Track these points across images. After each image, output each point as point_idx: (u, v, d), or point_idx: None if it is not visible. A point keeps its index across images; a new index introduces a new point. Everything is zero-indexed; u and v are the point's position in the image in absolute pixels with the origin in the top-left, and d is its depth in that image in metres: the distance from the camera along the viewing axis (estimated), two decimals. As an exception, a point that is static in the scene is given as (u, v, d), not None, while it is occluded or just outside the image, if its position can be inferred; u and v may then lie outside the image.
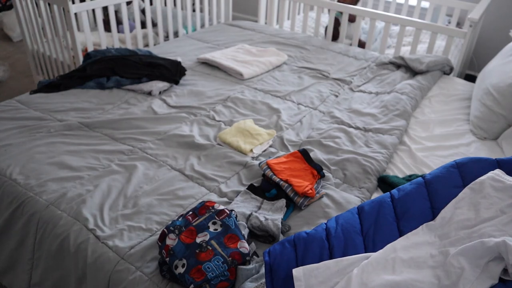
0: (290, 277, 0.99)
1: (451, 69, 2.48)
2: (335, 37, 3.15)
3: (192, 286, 1.05)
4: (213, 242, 1.12)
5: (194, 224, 1.18)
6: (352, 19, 3.16)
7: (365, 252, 1.02)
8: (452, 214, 1.03)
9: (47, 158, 1.54)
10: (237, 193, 1.44)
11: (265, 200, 1.39)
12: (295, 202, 1.39)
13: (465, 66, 2.88)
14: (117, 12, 3.39)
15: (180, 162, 1.59)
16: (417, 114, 2.05)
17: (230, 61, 2.39)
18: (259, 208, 1.36)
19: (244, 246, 1.12)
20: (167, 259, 1.11)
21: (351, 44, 3.10)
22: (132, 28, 3.30)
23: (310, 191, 1.39)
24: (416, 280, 0.89)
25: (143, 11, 3.48)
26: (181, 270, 1.08)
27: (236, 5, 4.79)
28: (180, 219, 1.22)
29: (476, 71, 3.66)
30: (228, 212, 1.20)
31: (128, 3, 3.38)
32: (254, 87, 2.21)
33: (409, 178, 1.53)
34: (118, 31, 3.31)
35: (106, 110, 1.90)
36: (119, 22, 3.41)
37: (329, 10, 3.06)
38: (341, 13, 3.00)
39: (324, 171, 1.56)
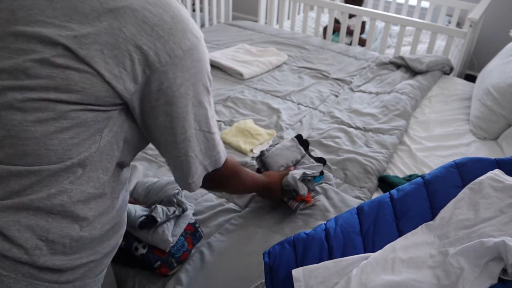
0: (290, 278, 0.99)
1: (451, 69, 2.48)
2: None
3: (158, 263, 1.10)
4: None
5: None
6: (362, 43, 3.14)
7: (365, 252, 1.02)
8: (452, 214, 1.03)
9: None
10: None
11: (307, 155, 1.43)
12: (289, 206, 1.33)
13: (465, 66, 2.88)
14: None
15: (180, 162, 1.59)
16: (417, 114, 2.05)
17: (230, 61, 2.39)
18: (298, 162, 1.39)
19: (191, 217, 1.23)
20: (123, 243, 1.12)
21: (351, 42, 3.10)
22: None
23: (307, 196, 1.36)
24: (415, 280, 0.89)
25: None
26: (142, 251, 1.11)
27: (236, 5, 4.79)
28: None
29: (476, 71, 3.66)
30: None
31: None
32: (254, 87, 2.22)
33: (409, 178, 1.53)
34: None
35: (106, 110, 1.90)
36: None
37: (329, 10, 3.06)
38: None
39: (324, 171, 1.56)
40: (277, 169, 1.39)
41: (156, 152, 1.62)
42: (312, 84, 2.26)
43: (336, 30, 3.24)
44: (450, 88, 2.30)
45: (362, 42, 3.09)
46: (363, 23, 3.20)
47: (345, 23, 2.94)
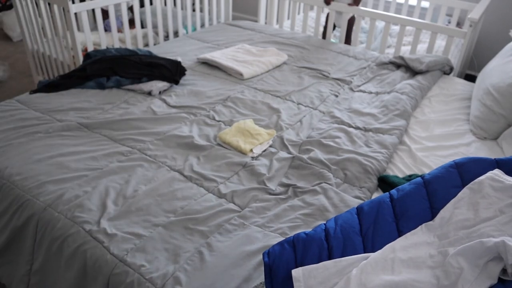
0: (290, 278, 0.99)
1: (451, 69, 2.48)
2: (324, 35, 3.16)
3: None
4: None
5: None
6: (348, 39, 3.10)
7: (364, 253, 1.02)
8: (451, 214, 1.03)
9: (46, 159, 1.54)
10: (236, 193, 1.44)
11: None
12: None
13: (465, 66, 2.88)
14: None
15: (179, 162, 1.59)
16: (417, 114, 2.05)
17: (230, 61, 2.39)
18: None
19: None
20: None
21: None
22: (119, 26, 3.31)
23: None
24: (415, 280, 0.89)
25: (130, 9, 3.49)
26: None
27: (236, 5, 4.79)
28: None
29: (476, 71, 3.66)
30: None
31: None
32: (254, 87, 2.21)
33: (409, 178, 1.53)
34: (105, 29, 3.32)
35: (106, 110, 1.90)
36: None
37: (325, 10, 3.05)
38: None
39: (324, 170, 1.56)
40: None
41: (155, 152, 1.63)
42: (312, 84, 2.26)
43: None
44: (450, 88, 2.30)
45: (348, 38, 3.06)
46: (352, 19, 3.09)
47: (344, 24, 2.94)
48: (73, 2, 3.23)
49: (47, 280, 1.34)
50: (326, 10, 3.86)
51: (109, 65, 2.13)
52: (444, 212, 1.05)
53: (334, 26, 3.16)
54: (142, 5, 3.74)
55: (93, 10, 3.49)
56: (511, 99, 1.78)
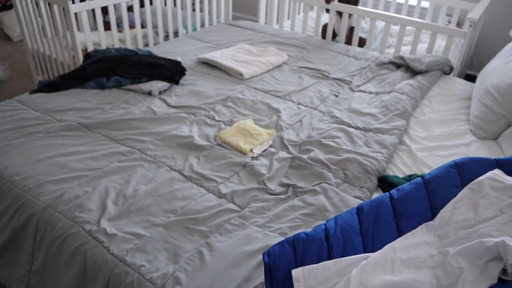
0: (290, 278, 0.99)
1: (451, 69, 2.48)
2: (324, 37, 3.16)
3: None
4: None
5: None
6: (361, 43, 3.11)
7: (364, 253, 1.02)
8: (451, 214, 1.03)
9: (46, 159, 1.54)
10: (236, 193, 1.44)
11: None
12: None
13: (465, 66, 2.88)
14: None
15: (179, 162, 1.59)
16: (417, 114, 2.05)
17: (230, 61, 2.39)
18: None
19: None
20: None
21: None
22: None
23: None
24: (415, 280, 0.89)
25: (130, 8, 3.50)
26: None
27: (236, 5, 4.79)
28: None
29: (476, 71, 3.66)
30: None
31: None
32: (254, 87, 2.21)
33: (409, 178, 1.53)
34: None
35: (106, 110, 1.90)
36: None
37: (328, 10, 3.06)
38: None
39: (324, 170, 1.56)
40: None
41: (155, 152, 1.63)
42: (312, 84, 2.26)
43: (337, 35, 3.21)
44: (450, 88, 2.30)
45: (361, 42, 3.08)
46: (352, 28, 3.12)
47: (345, 22, 2.94)
48: (73, 2, 3.23)
49: (47, 280, 1.34)
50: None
51: (109, 65, 2.13)
52: (444, 212, 1.05)
53: (334, 35, 3.15)
54: (142, 5, 3.75)
55: (93, 10, 3.49)
56: (511, 99, 1.78)
